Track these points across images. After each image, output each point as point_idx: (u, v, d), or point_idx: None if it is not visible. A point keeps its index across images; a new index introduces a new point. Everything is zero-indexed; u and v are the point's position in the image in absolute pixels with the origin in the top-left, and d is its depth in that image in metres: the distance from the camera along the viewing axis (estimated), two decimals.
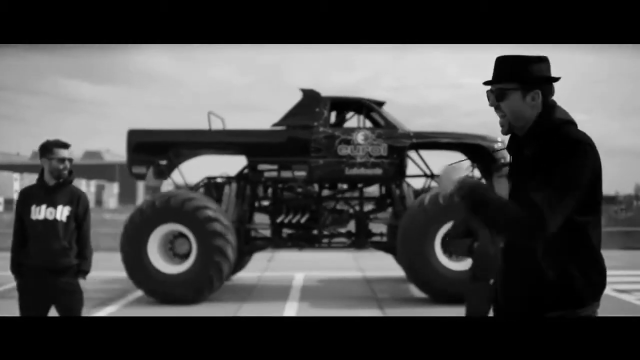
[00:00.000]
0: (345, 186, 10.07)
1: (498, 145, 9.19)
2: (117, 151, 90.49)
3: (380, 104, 9.51)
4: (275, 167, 9.30)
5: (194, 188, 9.88)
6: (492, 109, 2.31)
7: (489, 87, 2.31)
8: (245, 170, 9.53)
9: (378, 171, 9.09)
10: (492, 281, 3.94)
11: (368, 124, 9.86)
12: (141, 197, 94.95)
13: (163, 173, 9.64)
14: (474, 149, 9.36)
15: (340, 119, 10.06)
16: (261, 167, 9.31)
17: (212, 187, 9.84)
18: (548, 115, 2.24)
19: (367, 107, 9.41)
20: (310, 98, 9.28)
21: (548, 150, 2.15)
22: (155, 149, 9.38)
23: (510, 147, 2.36)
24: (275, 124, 9.35)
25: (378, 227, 10.41)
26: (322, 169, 9.12)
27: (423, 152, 9.80)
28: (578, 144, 2.14)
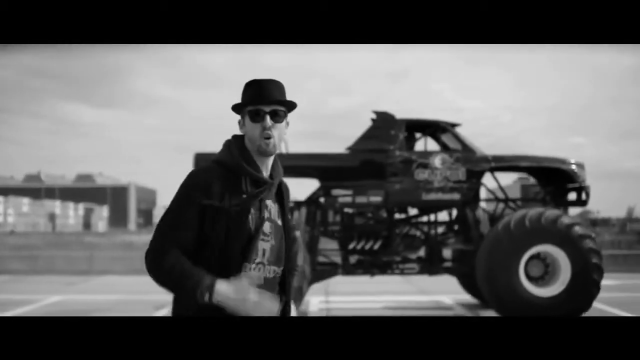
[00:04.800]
0: (415, 211, 9.82)
1: (576, 169, 9.05)
2: (109, 174, 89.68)
3: (455, 125, 9.32)
4: (349, 192, 9.05)
5: None
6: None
7: (251, 107, 2.26)
8: (317, 195, 9.25)
9: (456, 196, 8.88)
10: None
11: (431, 146, 9.67)
12: (133, 220, 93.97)
13: None
14: (551, 173, 9.20)
15: (411, 142, 9.85)
16: (335, 192, 9.04)
17: None
18: None
19: (443, 130, 9.22)
20: (384, 121, 9.08)
21: (285, 190, 2.39)
22: None
23: (258, 173, 2.27)
24: (350, 147, 9.11)
25: (449, 252, 10.18)
26: (398, 193, 8.89)
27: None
28: None
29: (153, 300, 10.22)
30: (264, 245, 2.22)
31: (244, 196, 2.20)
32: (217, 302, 2.07)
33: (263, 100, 2.22)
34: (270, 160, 2.30)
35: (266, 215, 2.24)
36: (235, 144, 2.30)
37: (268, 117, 2.23)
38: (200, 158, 9.18)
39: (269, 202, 2.27)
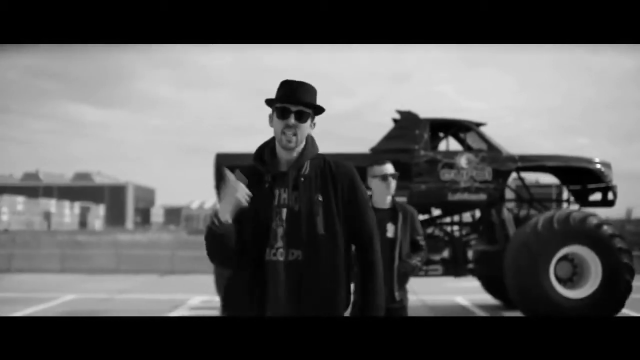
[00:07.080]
0: (438, 211, 9.67)
1: (603, 168, 8.92)
2: (108, 173, 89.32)
3: (480, 125, 9.17)
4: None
5: None
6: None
7: (280, 106, 2.40)
8: None
9: (482, 196, 8.73)
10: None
11: (452, 145, 9.52)
12: (130, 219, 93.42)
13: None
14: (577, 173, 9.07)
15: (434, 142, 9.69)
16: None
17: None
18: (312, 142, 2.51)
19: (467, 129, 9.07)
20: (408, 120, 8.92)
21: (340, 178, 2.42)
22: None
23: (274, 167, 2.43)
24: (374, 148, 8.96)
25: (471, 254, 10.03)
26: (424, 194, 8.73)
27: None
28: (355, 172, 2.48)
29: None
30: (279, 231, 2.38)
31: (263, 188, 2.40)
32: (219, 212, 2.32)
33: (291, 100, 2.39)
34: (295, 153, 2.42)
35: (275, 202, 2.39)
36: (269, 139, 2.52)
37: (293, 116, 2.38)
38: (220, 158, 9.02)
39: (281, 191, 2.40)
